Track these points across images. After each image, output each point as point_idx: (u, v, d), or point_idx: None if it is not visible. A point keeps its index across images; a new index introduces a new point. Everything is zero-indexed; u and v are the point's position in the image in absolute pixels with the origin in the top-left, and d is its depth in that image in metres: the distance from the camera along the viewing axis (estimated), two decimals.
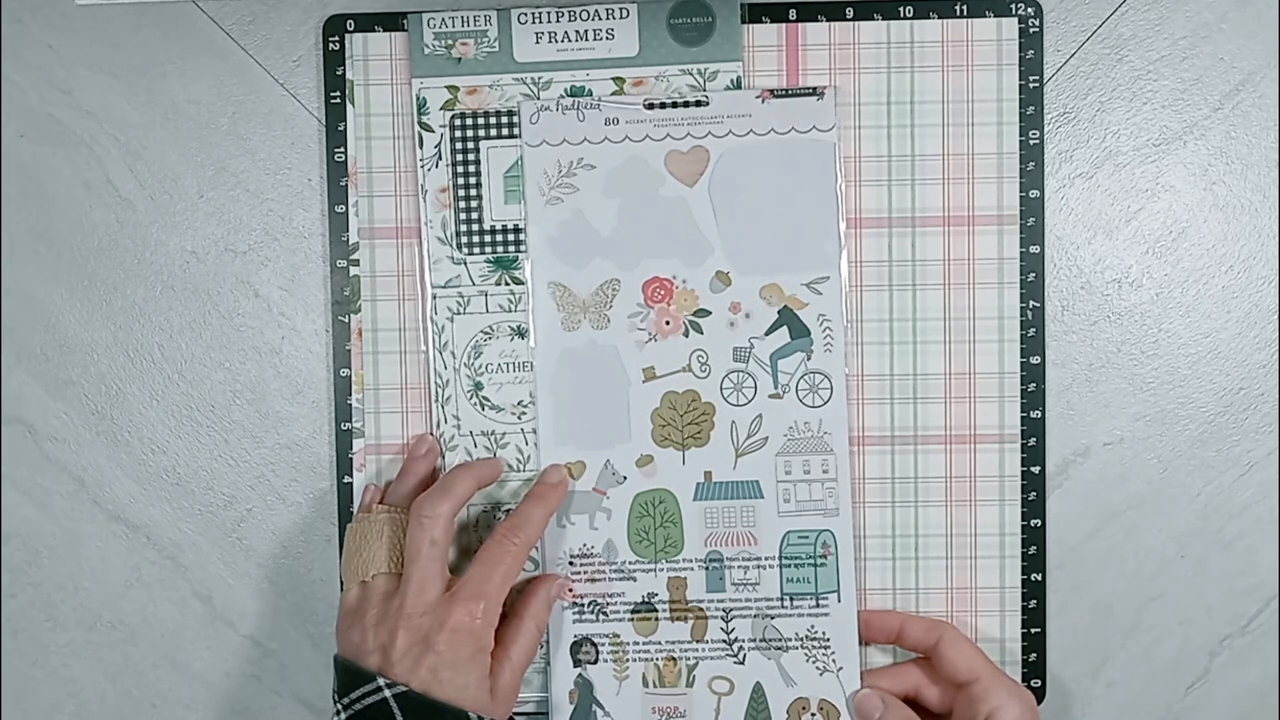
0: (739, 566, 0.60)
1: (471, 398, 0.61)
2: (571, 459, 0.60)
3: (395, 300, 0.61)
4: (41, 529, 0.64)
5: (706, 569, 0.60)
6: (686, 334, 0.60)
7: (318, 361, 0.63)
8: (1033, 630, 0.61)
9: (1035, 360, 0.61)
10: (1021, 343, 0.61)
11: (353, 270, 0.62)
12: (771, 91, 0.60)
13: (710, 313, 0.60)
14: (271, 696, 0.64)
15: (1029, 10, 0.60)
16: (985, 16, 0.60)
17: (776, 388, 0.60)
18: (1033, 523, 0.61)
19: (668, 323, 0.60)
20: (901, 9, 0.60)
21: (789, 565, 0.60)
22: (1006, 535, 0.61)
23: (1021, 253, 0.60)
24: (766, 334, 0.60)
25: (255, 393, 0.63)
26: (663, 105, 0.60)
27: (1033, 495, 0.61)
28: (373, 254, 0.61)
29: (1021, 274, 0.60)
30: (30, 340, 0.63)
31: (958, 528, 0.61)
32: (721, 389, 0.60)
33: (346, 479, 0.62)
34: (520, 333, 0.61)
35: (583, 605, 0.61)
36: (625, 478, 0.60)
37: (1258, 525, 0.62)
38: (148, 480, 0.63)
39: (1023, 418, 0.61)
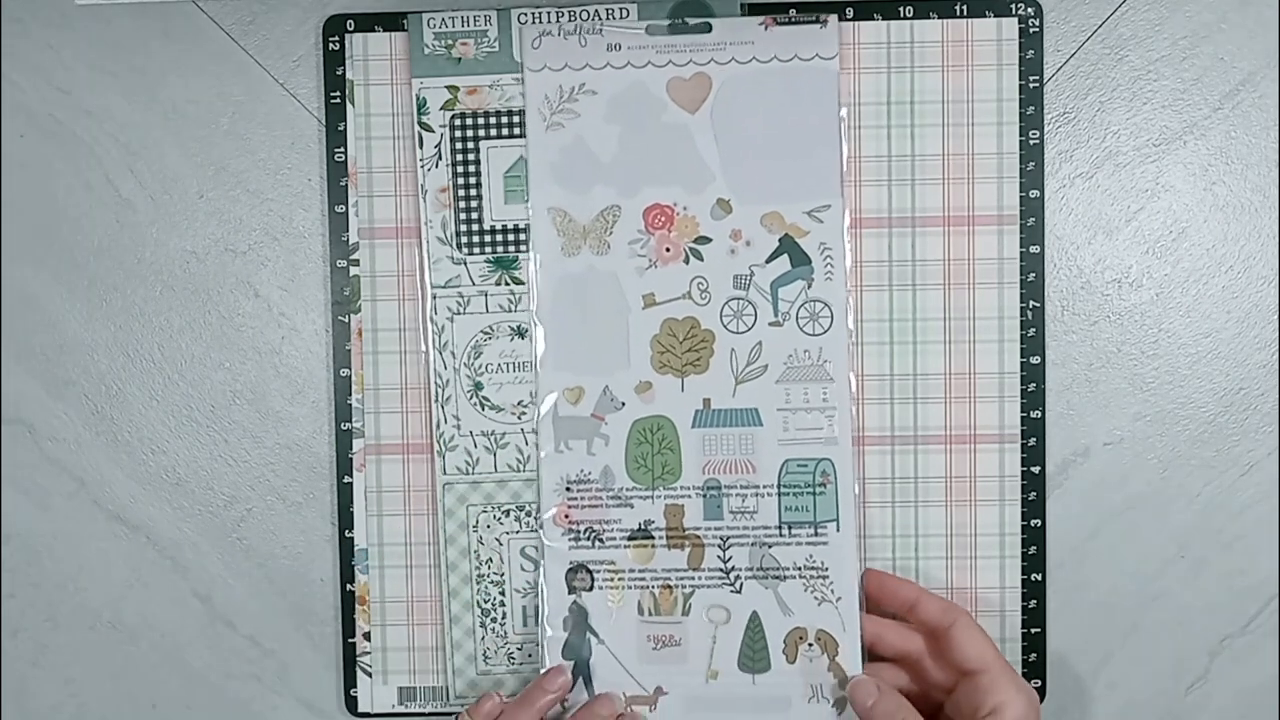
0: (737, 495, 0.60)
1: (471, 398, 0.61)
2: (570, 384, 0.60)
3: (395, 300, 0.61)
4: (41, 529, 0.64)
5: (704, 497, 0.60)
6: (687, 261, 0.60)
7: (318, 361, 0.63)
8: (1033, 630, 0.61)
9: (1035, 360, 0.61)
10: (1021, 343, 0.61)
11: (353, 270, 0.62)
12: (775, 19, 0.59)
13: (711, 240, 0.60)
14: (271, 696, 0.64)
15: (1029, 10, 0.60)
16: (985, 16, 0.60)
17: (776, 316, 0.60)
18: (1033, 523, 0.61)
19: (668, 250, 0.60)
20: (901, 9, 0.60)
21: (787, 494, 0.60)
22: (1006, 535, 0.61)
23: (1021, 253, 0.60)
24: (767, 262, 0.60)
25: (255, 393, 0.63)
26: (666, 30, 0.59)
27: (1033, 495, 0.61)
28: (373, 254, 0.61)
29: (1021, 274, 0.60)
30: (30, 340, 0.63)
31: (958, 528, 0.61)
32: (721, 316, 0.60)
33: (346, 479, 0.62)
34: (520, 332, 0.61)
35: (578, 532, 0.60)
36: (624, 404, 0.60)
37: (1258, 525, 0.62)
38: (148, 480, 0.63)
39: (1023, 418, 0.61)
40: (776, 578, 0.60)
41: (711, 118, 0.59)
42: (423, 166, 0.61)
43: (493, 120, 0.61)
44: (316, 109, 0.62)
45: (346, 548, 0.62)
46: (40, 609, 0.64)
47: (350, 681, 0.63)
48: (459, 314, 0.61)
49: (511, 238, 0.61)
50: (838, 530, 0.59)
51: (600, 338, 0.60)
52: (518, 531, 0.61)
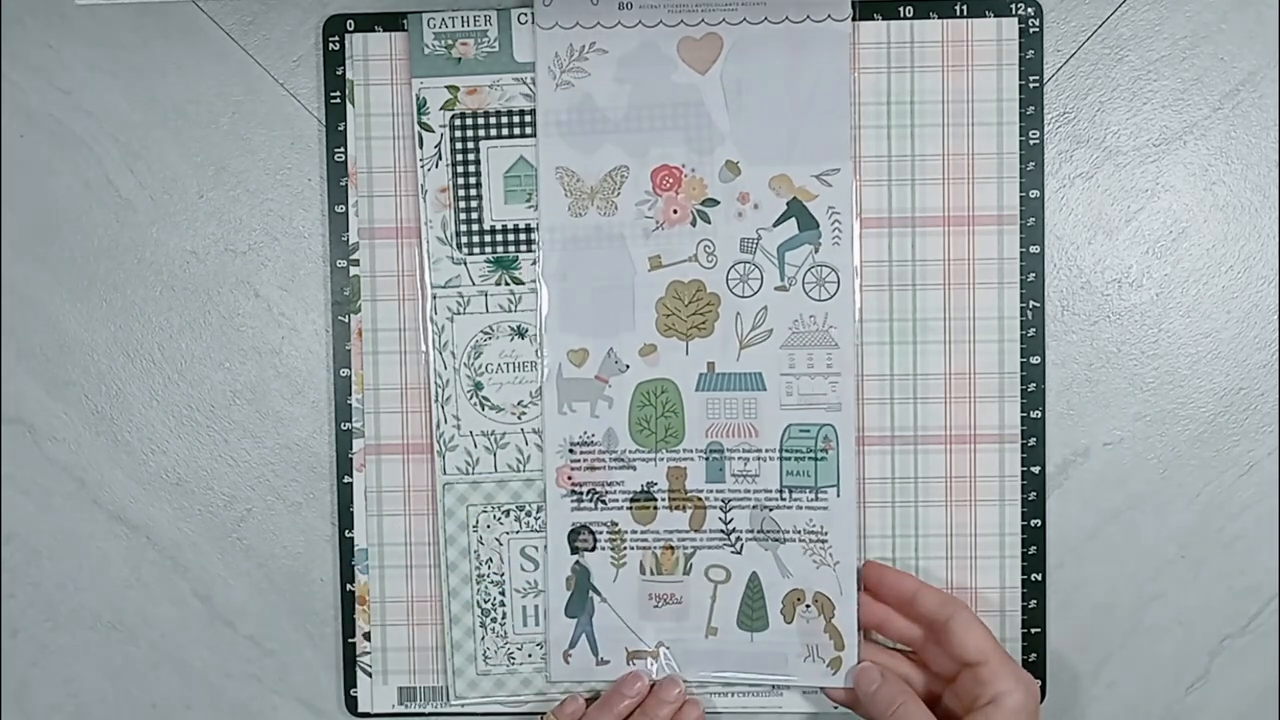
0: (739, 458, 0.60)
1: (471, 398, 0.61)
2: (575, 346, 0.60)
3: (395, 300, 0.61)
4: (41, 529, 0.64)
5: (706, 459, 0.60)
6: (694, 223, 0.60)
7: (318, 361, 0.63)
8: (1033, 630, 0.61)
9: (1035, 360, 0.61)
10: (1021, 343, 0.61)
11: (353, 270, 0.62)
12: None
13: (718, 202, 0.60)
14: (271, 696, 0.64)
15: (1029, 10, 0.60)
16: (985, 16, 0.60)
17: (783, 280, 0.60)
18: (1033, 523, 0.61)
19: (675, 211, 0.60)
20: (901, 9, 0.60)
21: (789, 458, 0.60)
22: (1006, 535, 0.61)
23: (1021, 253, 0.60)
24: (774, 225, 0.60)
25: (255, 393, 0.63)
26: None
27: (1033, 495, 0.61)
28: (373, 254, 0.61)
29: (1021, 274, 0.60)
30: (30, 340, 0.63)
31: (958, 528, 0.61)
32: (727, 280, 0.60)
33: (346, 479, 0.62)
34: (520, 332, 0.61)
35: (581, 493, 0.61)
36: (628, 366, 0.60)
37: (1258, 525, 0.62)
38: (148, 480, 0.63)
39: (1023, 418, 0.61)
40: (776, 540, 0.60)
41: (722, 79, 0.59)
42: (423, 166, 0.61)
43: (493, 120, 0.60)
44: (316, 109, 0.62)
45: (346, 548, 0.62)
46: (40, 609, 0.64)
47: (350, 681, 0.63)
48: (459, 314, 0.61)
49: (511, 238, 0.61)
50: (838, 495, 0.60)
51: (605, 299, 0.60)
52: (518, 531, 0.61)
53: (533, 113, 0.60)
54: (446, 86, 0.60)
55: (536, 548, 0.61)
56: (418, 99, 0.60)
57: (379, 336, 0.62)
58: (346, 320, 0.62)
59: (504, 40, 0.60)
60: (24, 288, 0.63)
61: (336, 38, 0.61)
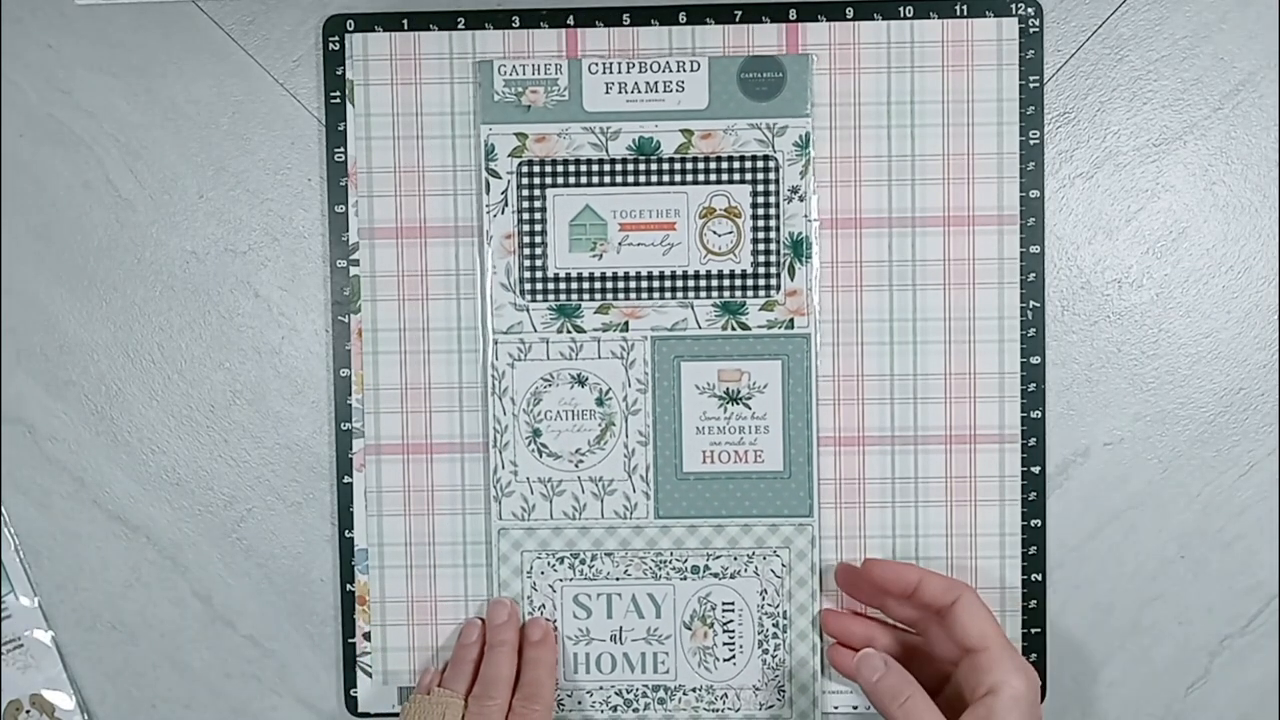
0: None
1: (529, 444, 0.61)
2: None
3: (395, 300, 0.61)
4: (41, 529, 0.63)
5: None
6: None
7: (318, 361, 0.63)
8: (1033, 630, 0.61)
9: (1035, 360, 0.61)
10: (1021, 343, 0.61)
11: (353, 270, 0.62)
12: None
13: None
14: (271, 696, 0.64)
15: (1029, 10, 0.60)
16: (985, 16, 0.60)
17: None
18: (1033, 523, 0.61)
19: None
20: (901, 9, 0.60)
21: None
22: (1006, 535, 0.61)
23: (1021, 253, 0.60)
24: None
25: (255, 393, 0.63)
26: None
27: (1033, 495, 0.61)
28: (373, 254, 0.61)
29: (1021, 274, 0.60)
30: (30, 340, 0.63)
31: (958, 528, 0.61)
32: None
33: (346, 479, 0.62)
34: (580, 380, 0.61)
35: None
36: None
37: (1258, 525, 0.62)
38: (148, 480, 0.63)
39: (1023, 418, 0.61)
40: None
41: None
42: (488, 212, 0.61)
43: (560, 168, 0.60)
44: (316, 109, 0.62)
45: (346, 548, 0.62)
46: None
47: (350, 681, 0.63)
48: (520, 360, 0.61)
49: (575, 286, 0.61)
50: None
51: None
52: (571, 579, 0.61)
53: (600, 162, 0.60)
54: (515, 134, 0.60)
55: (590, 595, 0.61)
56: (486, 145, 0.60)
57: (379, 336, 0.62)
58: (346, 320, 0.62)
59: (574, 89, 0.60)
60: (24, 288, 0.63)
61: (336, 38, 0.61)
